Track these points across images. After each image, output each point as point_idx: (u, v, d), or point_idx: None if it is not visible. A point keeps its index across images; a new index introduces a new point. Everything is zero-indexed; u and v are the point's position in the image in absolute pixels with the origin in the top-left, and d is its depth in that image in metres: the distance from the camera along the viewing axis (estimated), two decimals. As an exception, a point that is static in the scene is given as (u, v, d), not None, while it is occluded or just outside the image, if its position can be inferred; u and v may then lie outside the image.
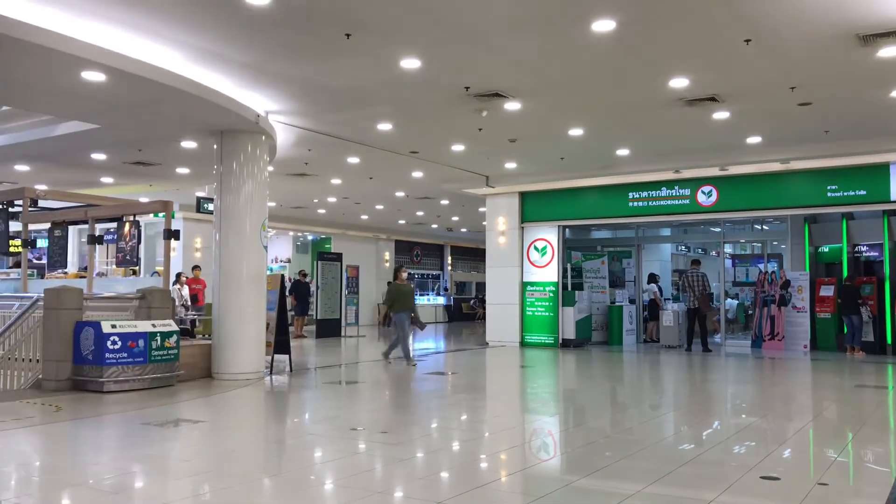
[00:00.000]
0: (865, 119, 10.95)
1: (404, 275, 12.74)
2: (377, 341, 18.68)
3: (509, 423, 7.38)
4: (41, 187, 14.23)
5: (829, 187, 13.66)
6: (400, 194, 19.05)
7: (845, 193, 13.52)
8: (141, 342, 8.82)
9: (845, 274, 14.83)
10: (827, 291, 14.84)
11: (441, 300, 30.00)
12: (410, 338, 12.44)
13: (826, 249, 16.32)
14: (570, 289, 16.07)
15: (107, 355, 8.55)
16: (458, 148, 13.07)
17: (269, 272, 11.73)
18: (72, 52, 7.31)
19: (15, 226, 13.54)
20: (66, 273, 14.43)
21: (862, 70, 8.59)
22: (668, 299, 17.33)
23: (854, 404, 8.52)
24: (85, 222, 13.02)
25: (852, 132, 11.84)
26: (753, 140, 12.38)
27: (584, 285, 16.54)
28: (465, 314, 20.12)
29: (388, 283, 13.28)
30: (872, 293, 14.20)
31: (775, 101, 9.96)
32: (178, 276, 14.86)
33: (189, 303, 14.41)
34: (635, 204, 15.50)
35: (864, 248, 16.04)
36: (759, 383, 10.53)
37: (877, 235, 14.72)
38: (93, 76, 7.99)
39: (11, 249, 14.14)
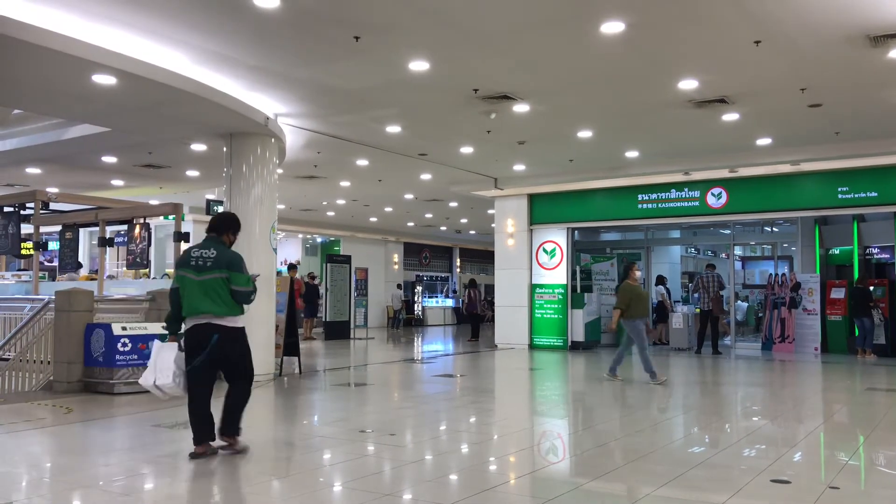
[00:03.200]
0: (876, 120, 10.89)
1: (637, 274, 10.59)
2: (386, 343, 18.70)
3: (518, 425, 7.37)
4: (52, 190, 14.33)
5: (839, 189, 13.58)
6: (409, 196, 19.07)
7: (856, 195, 13.44)
8: (151, 344, 8.84)
9: (856, 276, 14.74)
10: (838, 294, 14.76)
11: (450, 302, 30.00)
12: (635, 350, 10.31)
13: (837, 251, 16.24)
14: (579, 291, 16.04)
15: (117, 357, 8.59)
16: (466, 150, 13.07)
17: (281, 274, 11.77)
18: (82, 55, 7.36)
19: (26, 228, 13.63)
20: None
21: (873, 71, 8.55)
22: (678, 301, 17.27)
23: (865, 407, 8.46)
24: (95, 225, 13.09)
25: (863, 133, 11.77)
26: (763, 142, 12.33)
27: (593, 287, 16.50)
28: (474, 316, 20.32)
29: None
30: (884, 296, 14.12)
31: (785, 103, 9.92)
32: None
33: None
34: (644, 206, 15.46)
35: (875, 251, 15.95)
36: (769, 386, 10.48)
37: (888, 237, 14.63)
38: (103, 79, 8.04)
39: (23, 252, 14.21)
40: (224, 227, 5.66)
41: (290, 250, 26.17)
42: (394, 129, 11.45)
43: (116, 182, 15.62)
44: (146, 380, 5.48)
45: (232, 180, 10.55)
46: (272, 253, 10.61)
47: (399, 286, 27.20)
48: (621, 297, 10.22)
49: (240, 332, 5.54)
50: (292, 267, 16.03)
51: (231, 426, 5.51)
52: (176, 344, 5.48)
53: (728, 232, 16.47)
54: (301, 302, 15.90)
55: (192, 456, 5.31)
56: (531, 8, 6.90)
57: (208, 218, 17.49)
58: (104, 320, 9.19)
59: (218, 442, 5.50)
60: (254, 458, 5.56)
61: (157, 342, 5.63)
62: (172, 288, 5.50)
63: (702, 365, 12.72)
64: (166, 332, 5.62)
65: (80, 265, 14.01)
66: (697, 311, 15.42)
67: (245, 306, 5.62)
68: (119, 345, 8.61)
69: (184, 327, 5.49)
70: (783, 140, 12.22)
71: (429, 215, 23.09)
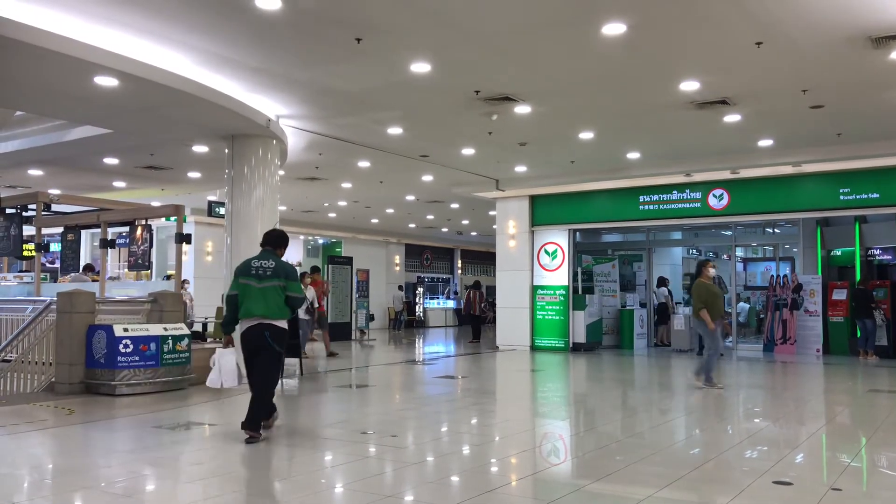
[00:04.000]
0: (878, 121, 10.88)
1: (712, 271, 9.74)
2: (387, 345, 18.70)
3: (519, 427, 7.36)
4: (54, 192, 14.34)
5: (841, 190, 13.57)
6: (410, 198, 19.08)
7: (858, 196, 13.43)
8: (153, 345, 8.86)
9: (858, 277, 14.73)
10: (840, 295, 14.75)
11: (451, 304, 30.00)
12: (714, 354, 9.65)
13: (839, 253, 16.22)
14: (580, 292, 16.03)
15: (119, 359, 8.59)
16: (468, 151, 13.08)
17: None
18: (84, 57, 7.37)
19: (28, 230, 13.64)
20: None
21: (874, 72, 8.55)
22: (679, 303, 17.25)
23: (867, 409, 8.45)
24: (97, 226, 13.08)
25: (865, 135, 11.76)
26: (765, 143, 12.33)
27: (594, 289, 16.49)
28: (475, 318, 20.36)
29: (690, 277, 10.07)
30: (886, 297, 14.10)
31: (787, 104, 9.91)
32: (302, 276, 14.72)
33: (315, 305, 14.06)
34: (646, 207, 15.46)
35: (877, 252, 15.94)
36: (771, 387, 10.47)
37: (890, 239, 14.63)
38: (105, 81, 8.05)
39: (25, 254, 14.22)
40: (277, 242, 6.63)
41: (292, 252, 26.17)
42: (395, 130, 11.45)
43: (118, 184, 15.64)
44: (213, 382, 6.52)
45: (234, 182, 10.55)
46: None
47: (400, 287, 27.20)
48: (698, 295, 9.47)
49: (285, 332, 6.39)
50: (316, 269, 15.86)
51: (253, 420, 6.12)
52: (233, 349, 6.39)
53: (729, 233, 16.46)
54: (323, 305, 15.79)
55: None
56: (532, 9, 6.90)
57: (210, 219, 17.78)
58: (106, 322, 9.19)
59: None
60: (255, 459, 5.56)
61: (218, 349, 6.65)
62: (231, 294, 6.32)
63: (703, 366, 12.68)
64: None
65: (91, 267, 13.98)
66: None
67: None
68: (121, 346, 8.61)
69: (238, 329, 6.29)
70: (785, 141, 12.22)
71: (430, 217, 23.10)
